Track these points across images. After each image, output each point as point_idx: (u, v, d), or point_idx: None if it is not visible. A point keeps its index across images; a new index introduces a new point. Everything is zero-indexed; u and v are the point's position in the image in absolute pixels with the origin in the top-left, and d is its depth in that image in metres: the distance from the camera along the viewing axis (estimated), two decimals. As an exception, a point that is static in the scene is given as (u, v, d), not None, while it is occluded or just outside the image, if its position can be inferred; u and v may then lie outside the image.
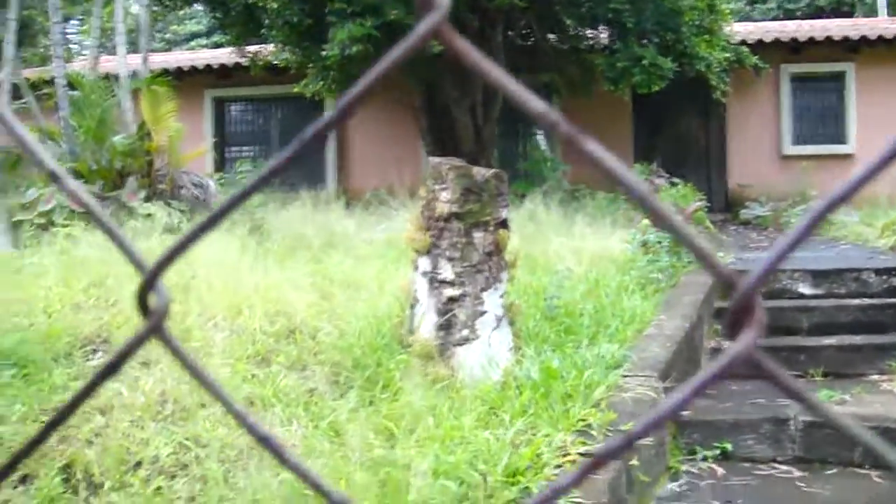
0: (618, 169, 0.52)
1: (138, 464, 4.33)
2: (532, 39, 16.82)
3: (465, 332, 5.53)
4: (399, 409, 4.81)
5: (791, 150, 18.46)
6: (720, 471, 5.73)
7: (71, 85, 12.94)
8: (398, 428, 4.60)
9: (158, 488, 4.12)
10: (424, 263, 5.69)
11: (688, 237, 0.52)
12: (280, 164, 0.51)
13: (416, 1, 0.47)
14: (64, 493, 4.06)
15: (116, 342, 5.89)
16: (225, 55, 19.82)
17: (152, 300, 0.50)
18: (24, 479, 4.22)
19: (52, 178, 0.49)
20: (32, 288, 7.02)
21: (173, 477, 4.25)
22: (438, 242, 5.61)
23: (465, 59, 0.50)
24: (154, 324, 0.49)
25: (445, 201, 5.61)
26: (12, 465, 0.71)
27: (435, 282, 5.62)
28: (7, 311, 6.40)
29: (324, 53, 13.45)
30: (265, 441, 0.59)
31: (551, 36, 16.83)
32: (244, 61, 17.81)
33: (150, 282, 0.49)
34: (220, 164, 19.41)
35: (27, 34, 27.67)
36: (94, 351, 5.85)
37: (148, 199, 11.84)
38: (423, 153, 16.95)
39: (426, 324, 5.62)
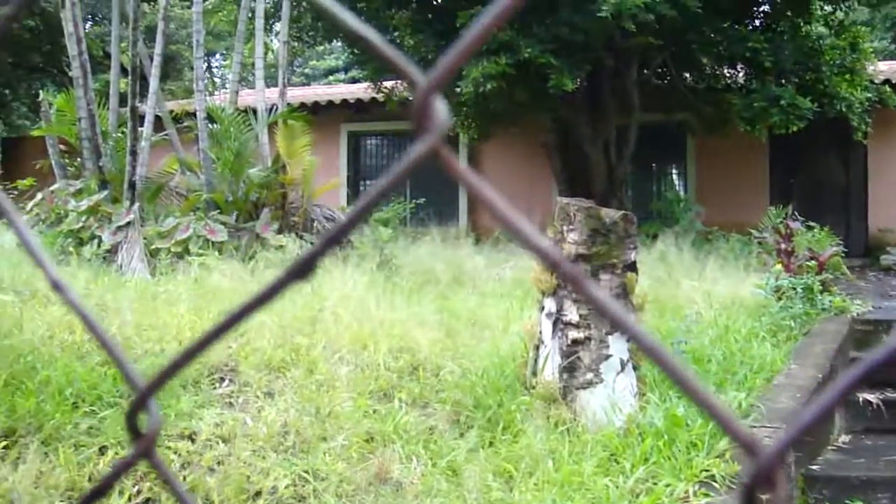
0: (643, 339, 0.48)
1: (258, 494, 4.38)
2: (667, 78, 16.64)
3: (589, 376, 5.45)
4: (519, 452, 4.76)
5: (936, 193, 17.78)
6: (851, 529, 5.51)
7: (211, 118, 13.32)
8: (517, 470, 4.55)
9: (276, 520, 4.16)
10: (550, 304, 5.64)
11: (706, 402, 0.48)
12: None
13: (415, 122, 0.46)
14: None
15: (243, 372, 5.99)
16: (361, 90, 20.13)
17: (143, 421, 0.48)
18: (146, 502, 4.31)
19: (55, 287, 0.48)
20: (166, 315, 7.21)
21: (291, 509, 4.28)
22: (564, 284, 5.56)
23: (462, 179, 0.48)
24: (143, 449, 0.47)
25: (573, 242, 5.56)
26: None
27: (560, 323, 5.56)
28: (141, 337, 6.58)
29: (458, 90, 13.54)
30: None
31: (687, 75, 16.64)
32: (380, 96, 18.07)
33: (141, 402, 0.47)
34: (354, 197, 19.68)
35: (173, 67, 28.63)
36: (221, 379, 5.96)
37: (280, 230, 12.07)
38: (555, 191, 16.89)
39: (550, 366, 5.56)
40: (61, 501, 4.23)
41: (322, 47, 27.48)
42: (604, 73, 15.34)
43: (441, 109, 0.47)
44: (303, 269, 0.50)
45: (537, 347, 5.72)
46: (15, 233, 0.49)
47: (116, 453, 4.69)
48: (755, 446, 0.46)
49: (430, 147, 0.47)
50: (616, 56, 14.91)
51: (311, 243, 11.75)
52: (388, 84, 17.89)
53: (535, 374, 5.65)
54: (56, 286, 0.52)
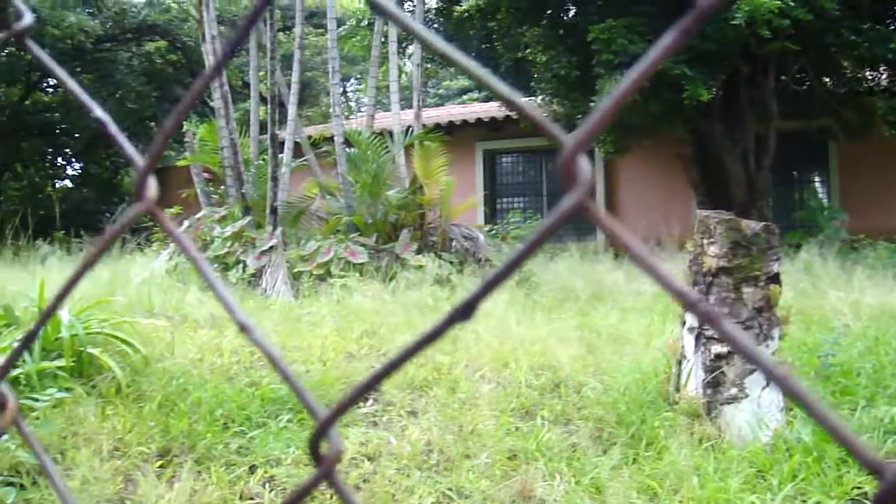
0: (773, 371, 0.50)
1: (403, 511, 4.44)
2: (806, 84, 16.24)
3: (734, 391, 5.36)
4: (663, 468, 4.71)
5: None
6: None
7: (348, 142, 13.56)
8: (661, 487, 4.50)
9: (422, 537, 4.21)
10: (692, 319, 5.57)
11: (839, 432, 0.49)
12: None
13: (561, 179, 0.50)
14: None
15: (387, 391, 6.08)
16: (495, 109, 20.23)
17: (324, 447, 0.52)
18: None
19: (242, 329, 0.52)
20: (309, 336, 7.38)
21: (436, 526, 4.33)
22: (706, 297, 5.49)
23: (608, 231, 0.52)
24: (324, 471, 0.51)
25: (713, 255, 5.49)
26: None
27: (703, 338, 5.49)
28: (286, 359, 6.74)
29: (592, 105, 13.49)
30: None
31: (826, 79, 16.22)
32: (514, 114, 18.12)
33: (322, 431, 0.51)
34: (491, 215, 19.76)
35: (309, 94, 29.23)
36: (366, 399, 6.06)
37: (420, 251, 12.21)
38: (693, 203, 16.66)
39: (693, 381, 5.49)
40: (215, 519, 4.36)
41: (455, 67, 27.65)
42: (740, 81, 15.08)
43: (586, 167, 0.50)
44: (465, 311, 0.53)
45: (680, 363, 5.66)
46: (203, 276, 0.54)
47: (265, 472, 4.81)
48: (881, 468, 0.47)
49: (578, 202, 0.50)
50: (752, 63, 14.65)
51: (451, 262, 11.85)
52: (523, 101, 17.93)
53: (678, 389, 5.59)
54: (243, 328, 0.56)
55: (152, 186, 0.53)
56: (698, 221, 5.70)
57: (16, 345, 4.59)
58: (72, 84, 0.77)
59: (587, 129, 0.50)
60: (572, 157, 0.49)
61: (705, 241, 5.56)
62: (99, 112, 0.60)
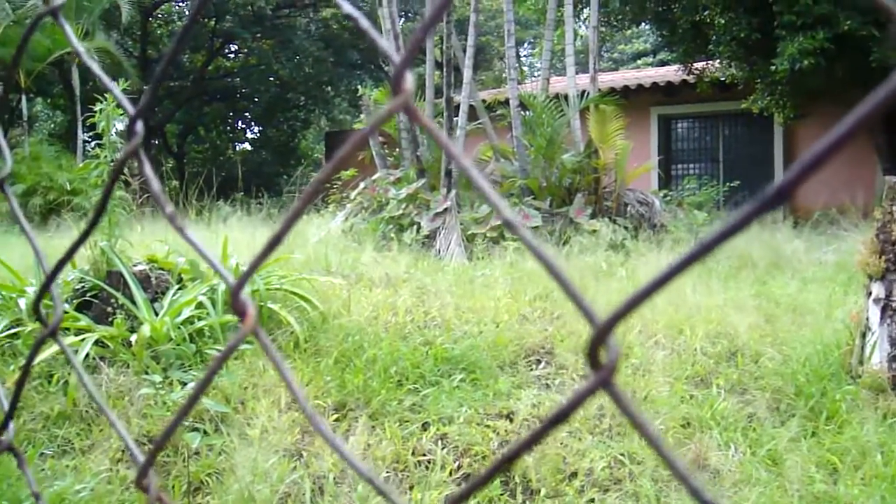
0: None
1: (573, 474, 4.43)
2: None
3: (922, 365, 5.14)
4: (844, 443, 4.56)
5: None
6: None
7: (523, 105, 13.53)
8: (842, 463, 4.36)
9: (591, 500, 4.19)
10: (878, 289, 5.36)
11: None
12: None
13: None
14: (502, 494, 4.23)
15: (560, 355, 6.07)
16: (671, 73, 19.85)
17: (602, 354, 0.51)
18: (467, 478, 4.46)
19: (507, 226, 0.51)
20: (483, 298, 7.42)
21: (606, 490, 4.30)
22: (894, 267, 5.27)
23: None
24: (601, 378, 0.50)
25: (903, 224, 5.26)
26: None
27: (889, 309, 5.28)
28: (460, 320, 6.80)
29: (772, 68, 13.09)
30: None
31: None
32: (690, 78, 17.75)
33: (601, 337, 0.50)
34: (666, 181, 19.43)
35: (483, 58, 29.31)
36: (538, 361, 6.07)
37: (594, 215, 12.12)
38: (879, 171, 15.99)
39: (878, 354, 5.29)
40: (388, 472, 4.45)
41: (630, 31, 27.26)
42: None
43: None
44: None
45: (864, 334, 5.45)
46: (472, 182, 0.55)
47: (438, 430, 4.87)
48: None
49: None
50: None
51: (625, 228, 11.73)
52: (699, 65, 17.53)
53: (861, 362, 5.39)
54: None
55: (409, 80, 0.53)
56: (888, 188, 5.46)
57: (201, 297, 4.75)
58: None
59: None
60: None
61: (894, 208, 5.33)
62: (348, 7, 0.62)
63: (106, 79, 0.79)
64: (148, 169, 0.71)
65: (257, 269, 0.62)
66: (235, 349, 0.65)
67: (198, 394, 0.71)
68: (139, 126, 0.70)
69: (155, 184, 0.69)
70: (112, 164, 6.58)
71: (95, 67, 0.78)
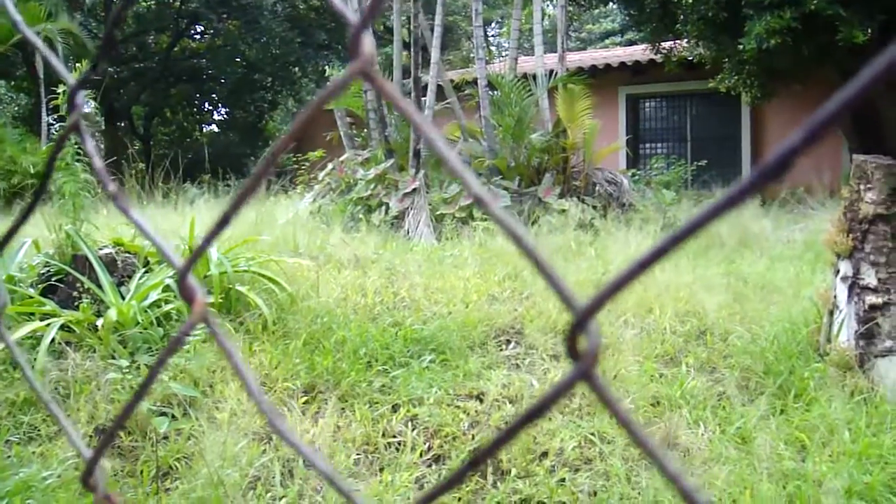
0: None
1: (544, 454, 4.42)
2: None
3: (889, 343, 5.16)
4: (812, 420, 4.58)
5: None
6: None
7: (491, 85, 13.51)
8: (810, 440, 4.38)
9: (562, 480, 4.19)
10: (845, 268, 5.38)
11: None
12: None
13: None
14: (472, 475, 4.22)
15: (529, 335, 6.07)
16: (639, 52, 19.87)
17: (582, 343, 0.48)
18: (437, 459, 4.45)
19: (478, 202, 0.48)
20: (452, 279, 7.41)
21: (577, 470, 4.29)
22: (862, 246, 5.28)
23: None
24: (581, 370, 0.47)
25: (870, 202, 5.27)
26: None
27: (856, 288, 5.30)
28: (429, 300, 6.78)
29: (740, 47, 13.08)
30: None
31: None
32: (658, 58, 17.73)
33: (580, 323, 0.47)
34: (634, 160, 19.49)
35: (451, 38, 29.22)
36: (508, 342, 6.06)
37: (562, 195, 12.13)
38: (845, 150, 16.08)
39: (845, 332, 5.31)
40: (357, 454, 4.42)
41: (598, 10, 27.26)
42: (898, 22, 14.41)
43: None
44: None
45: (831, 313, 5.47)
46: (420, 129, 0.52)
47: (408, 411, 4.86)
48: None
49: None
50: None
51: (594, 207, 11.74)
52: (667, 45, 17.54)
53: (829, 340, 5.41)
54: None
55: (368, 43, 0.50)
56: (855, 166, 5.46)
57: (168, 280, 4.71)
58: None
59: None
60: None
61: (862, 186, 5.34)
62: None
63: (46, 51, 0.75)
64: (90, 145, 0.67)
65: (205, 251, 0.59)
66: (183, 341, 0.61)
67: (141, 394, 0.68)
68: (80, 98, 0.67)
69: (97, 160, 0.66)
70: (75, 146, 6.51)
71: (31, 35, 0.74)
